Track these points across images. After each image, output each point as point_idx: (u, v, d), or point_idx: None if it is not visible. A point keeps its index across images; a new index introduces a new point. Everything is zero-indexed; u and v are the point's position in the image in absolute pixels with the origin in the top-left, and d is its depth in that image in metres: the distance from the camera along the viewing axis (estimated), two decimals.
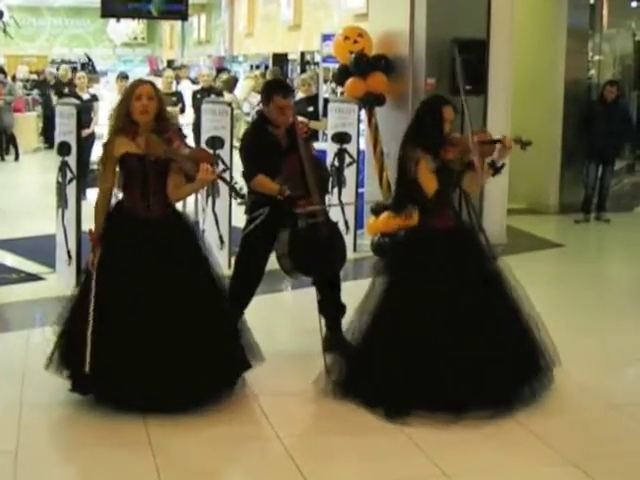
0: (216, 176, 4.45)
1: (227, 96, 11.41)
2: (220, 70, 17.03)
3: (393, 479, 3.79)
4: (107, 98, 11.95)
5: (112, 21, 22.53)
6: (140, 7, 11.33)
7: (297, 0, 15.58)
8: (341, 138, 8.08)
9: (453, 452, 3.97)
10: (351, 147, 8.06)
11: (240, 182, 4.83)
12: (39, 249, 7.67)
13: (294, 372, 4.96)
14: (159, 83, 9.82)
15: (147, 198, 4.39)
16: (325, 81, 11.79)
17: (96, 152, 10.64)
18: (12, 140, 15.63)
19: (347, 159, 8.06)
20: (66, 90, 14.25)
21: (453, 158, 4.46)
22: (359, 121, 8.16)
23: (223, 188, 7.23)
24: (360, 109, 8.13)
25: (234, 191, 4.58)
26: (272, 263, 5.14)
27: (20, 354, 5.10)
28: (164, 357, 4.23)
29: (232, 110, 7.53)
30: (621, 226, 9.77)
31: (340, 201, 7.85)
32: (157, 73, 18.80)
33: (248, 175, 4.99)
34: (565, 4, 10.04)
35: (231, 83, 12.89)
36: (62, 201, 6.85)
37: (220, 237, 7.32)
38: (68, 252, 6.81)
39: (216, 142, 7.24)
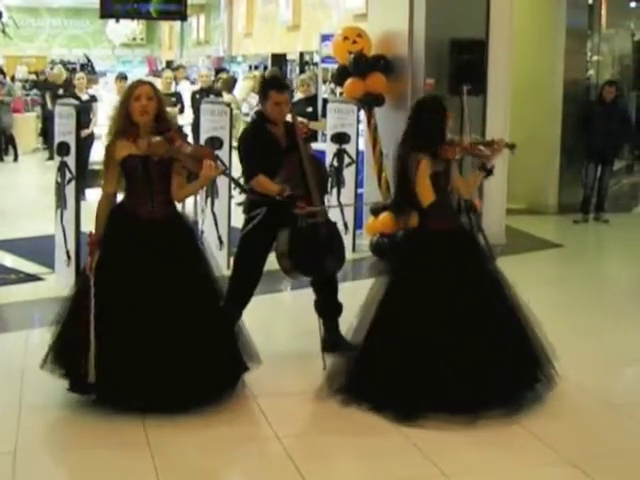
0: (219, 171, 4.45)
1: (226, 96, 11.41)
2: (219, 70, 17.03)
3: (392, 479, 3.79)
4: (106, 99, 11.96)
5: (111, 22, 22.51)
6: (139, 8, 11.32)
7: (296, 0, 15.58)
8: (340, 138, 8.08)
9: (452, 452, 3.97)
10: (350, 147, 8.06)
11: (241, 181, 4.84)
12: (38, 249, 7.67)
13: (293, 372, 4.95)
14: (158, 84, 9.81)
15: (151, 199, 4.39)
16: (324, 81, 11.78)
17: (95, 153, 10.66)
18: (11, 141, 15.63)
19: (346, 159, 8.07)
20: (60, 91, 14.22)
21: (458, 158, 4.47)
22: (358, 121, 8.17)
23: (222, 189, 7.25)
24: (359, 109, 8.13)
25: (237, 184, 4.60)
26: (271, 263, 5.14)
27: (19, 355, 5.10)
28: (162, 358, 4.23)
29: (231, 110, 7.53)
30: (620, 226, 9.78)
31: (339, 202, 7.85)
32: (156, 74, 18.79)
33: (248, 175, 4.99)
34: (564, 4, 10.04)
35: (230, 83, 12.88)
36: (61, 201, 6.85)
37: (219, 237, 7.32)
38: (67, 252, 6.81)
39: (215, 142, 7.24)
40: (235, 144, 6.07)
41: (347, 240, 7.04)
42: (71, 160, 6.75)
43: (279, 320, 6.44)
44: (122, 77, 12.03)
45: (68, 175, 6.75)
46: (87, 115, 10.63)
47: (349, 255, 6.82)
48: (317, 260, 5.01)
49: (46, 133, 15.49)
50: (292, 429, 4.27)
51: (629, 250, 8.90)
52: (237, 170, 5.30)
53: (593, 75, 11.28)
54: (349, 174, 8.04)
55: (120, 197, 4.55)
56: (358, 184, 8.18)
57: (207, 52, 22.26)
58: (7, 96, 15.52)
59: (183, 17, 12.19)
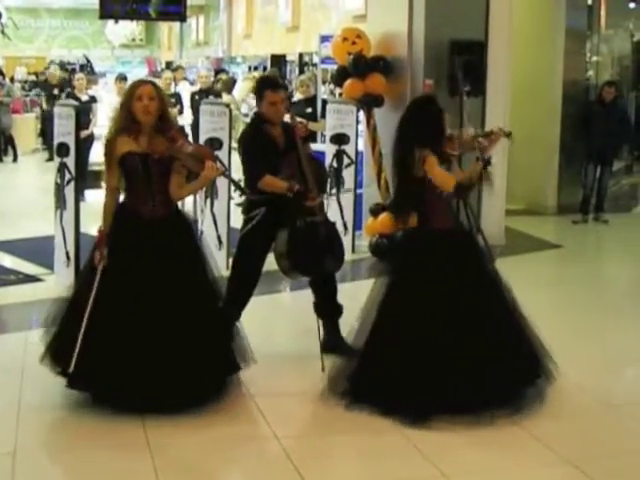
0: (220, 172, 4.46)
1: (225, 97, 11.41)
2: (218, 71, 17.03)
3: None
4: (106, 99, 11.96)
5: (110, 22, 22.53)
6: (138, 8, 11.32)
7: (295, 1, 15.58)
8: (339, 139, 8.08)
9: (452, 453, 3.97)
10: (349, 148, 8.06)
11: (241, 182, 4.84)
12: (37, 250, 7.66)
13: (292, 373, 4.95)
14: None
15: (152, 198, 4.39)
16: (323, 82, 11.77)
17: (95, 154, 10.66)
18: (10, 141, 15.63)
19: (345, 160, 8.07)
20: (55, 91, 14.20)
21: (457, 153, 4.47)
22: (357, 122, 8.17)
23: (222, 189, 7.25)
24: (358, 110, 8.13)
25: (237, 186, 4.61)
26: (271, 263, 5.14)
27: (18, 355, 5.09)
28: (159, 357, 4.23)
29: (230, 111, 7.53)
30: (619, 227, 9.78)
31: (337, 200, 7.86)
32: (155, 74, 18.79)
33: (254, 176, 4.94)
34: (563, 5, 10.05)
35: (229, 84, 12.88)
36: (60, 202, 6.85)
37: (218, 238, 7.32)
38: (67, 253, 6.82)
39: (214, 143, 7.24)
40: (235, 145, 6.07)
41: (346, 241, 7.04)
42: (71, 161, 6.76)
43: (278, 320, 6.44)
44: (122, 78, 12.03)
45: (68, 176, 6.76)
46: (87, 116, 10.63)
47: (348, 256, 6.82)
48: (316, 260, 5.00)
49: (45, 134, 15.49)
50: (291, 429, 4.27)
51: (629, 250, 8.91)
52: (237, 171, 5.30)
53: (592, 76, 11.29)
54: (348, 175, 8.04)
55: (121, 197, 4.56)
56: (357, 185, 8.19)
57: (206, 53, 22.26)
58: (6, 97, 15.51)
59: (182, 18, 12.19)
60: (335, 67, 8.82)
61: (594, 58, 11.38)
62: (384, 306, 4.45)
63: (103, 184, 4.51)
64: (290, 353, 5.33)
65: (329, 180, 7.49)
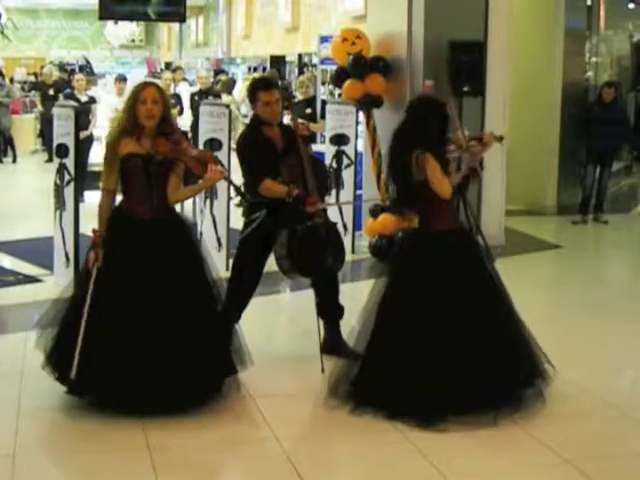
0: (223, 176, 4.46)
1: (225, 98, 11.41)
2: (218, 72, 17.04)
3: None
4: (105, 100, 11.96)
5: (110, 23, 22.54)
6: (138, 9, 11.33)
7: (295, 2, 15.59)
8: (339, 140, 8.09)
9: (452, 454, 3.96)
10: (349, 149, 8.07)
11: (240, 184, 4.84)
12: (37, 251, 7.67)
13: (292, 374, 4.95)
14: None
15: (151, 199, 4.39)
16: (323, 83, 11.79)
17: (94, 154, 10.66)
18: (10, 142, 15.63)
19: (345, 161, 8.07)
20: (51, 91, 14.15)
21: (454, 157, 4.46)
22: (357, 123, 8.17)
23: (221, 190, 7.24)
24: (358, 111, 8.13)
25: (238, 191, 4.61)
26: (270, 265, 5.13)
27: (18, 356, 5.09)
28: (158, 360, 4.22)
29: (230, 112, 7.53)
30: (619, 227, 9.79)
31: (337, 200, 7.84)
32: (155, 75, 18.79)
33: (253, 182, 4.93)
34: (562, 6, 10.05)
35: (229, 85, 12.90)
36: (60, 203, 6.85)
37: (218, 239, 7.32)
38: (66, 254, 6.81)
39: (214, 144, 7.24)
40: (234, 146, 6.07)
41: (346, 241, 7.03)
42: (70, 162, 6.75)
43: (278, 321, 6.44)
44: (121, 78, 12.03)
45: (67, 177, 6.76)
46: (86, 117, 10.63)
47: (348, 256, 6.81)
48: (316, 261, 5.00)
49: (44, 134, 15.49)
50: (291, 431, 4.26)
51: (628, 251, 8.91)
52: (236, 171, 5.30)
53: (592, 76, 11.30)
54: (348, 176, 8.04)
55: (119, 198, 4.55)
56: (357, 185, 8.19)
57: (206, 54, 22.27)
58: (6, 98, 15.51)
59: (182, 19, 12.20)
60: (335, 68, 8.83)
61: (593, 59, 11.40)
62: (385, 309, 4.44)
63: (100, 185, 4.49)
64: (290, 354, 5.33)
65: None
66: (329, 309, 5.20)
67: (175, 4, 11.31)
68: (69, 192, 6.76)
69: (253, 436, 4.21)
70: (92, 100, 11.53)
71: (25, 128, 16.82)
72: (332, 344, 5.08)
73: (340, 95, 8.86)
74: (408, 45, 8.04)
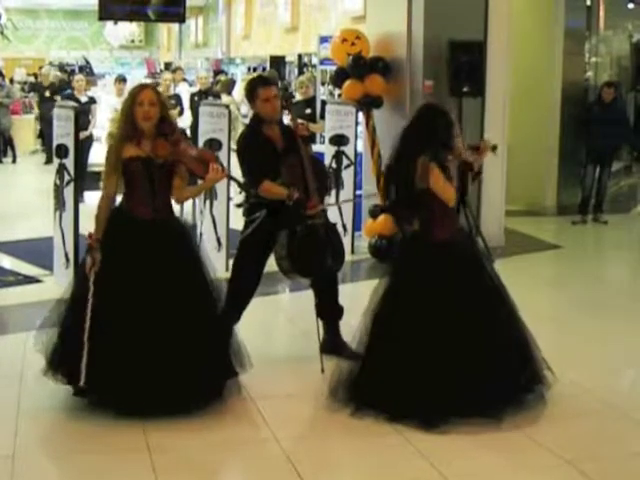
0: (225, 175, 4.46)
1: (225, 98, 11.41)
2: (218, 72, 17.03)
3: None
4: (105, 101, 11.96)
5: (110, 24, 22.49)
6: (138, 10, 11.32)
7: (294, 2, 15.58)
8: (339, 140, 8.08)
9: (452, 455, 3.96)
10: (349, 149, 8.07)
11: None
12: (37, 251, 7.66)
13: (292, 375, 4.95)
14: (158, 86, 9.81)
15: (153, 201, 4.39)
16: (322, 83, 11.78)
17: (94, 155, 10.67)
18: (10, 142, 15.63)
19: (345, 161, 8.07)
20: (47, 93, 14.13)
21: (454, 165, 4.46)
22: (357, 123, 8.17)
23: (221, 190, 7.24)
24: (358, 111, 8.13)
25: (243, 188, 4.61)
26: (270, 265, 5.13)
27: (18, 357, 5.09)
28: (158, 362, 4.22)
29: (230, 112, 7.53)
30: (618, 227, 9.79)
31: (337, 201, 7.84)
32: (155, 76, 18.79)
33: (253, 183, 4.92)
34: (562, 6, 10.05)
35: (229, 85, 12.89)
36: (60, 203, 6.84)
37: (218, 239, 7.32)
38: (66, 254, 6.81)
39: (214, 144, 7.23)
40: (234, 146, 6.06)
41: (346, 242, 7.03)
42: (70, 162, 6.75)
43: (278, 322, 6.43)
44: (121, 79, 12.04)
45: (67, 177, 6.75)
46: (86, 117, 10.63)
47: (348, 257, 6.81)
48: (316, 261, 4.99)
49: (44, 135, 15.48)
50: (291, 431, 4.26)
51: (628, 251, 8.91)
52: (237, 172, 5.29)
53: (591, 76, 11.30)
54: (348, 176, 8.03)
55: (119, 199, 4.55)
56: (357, 186, 8.18)
57: (206, 54, 22.26)
58: (6, 98, 15.50)
59: (182, 19, 12.19)
60: (334, 68, 8.83)
61: (593, 59, 11.39)
62: (385, 310, 4.43)
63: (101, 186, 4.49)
64: (289, 354, 5.33)
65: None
66: (328, 310, 5.20)
67: (175, 5, 11.31)
68: (69, 192, 6.75)
69: (253, 437, 4.21)
70: (92, 100, 11.54)
71: (25, 128, 16.83)
72: (331, 344, 5.08)
73: (340, 95, 8.86)
74: (408, 45, 8.04)
